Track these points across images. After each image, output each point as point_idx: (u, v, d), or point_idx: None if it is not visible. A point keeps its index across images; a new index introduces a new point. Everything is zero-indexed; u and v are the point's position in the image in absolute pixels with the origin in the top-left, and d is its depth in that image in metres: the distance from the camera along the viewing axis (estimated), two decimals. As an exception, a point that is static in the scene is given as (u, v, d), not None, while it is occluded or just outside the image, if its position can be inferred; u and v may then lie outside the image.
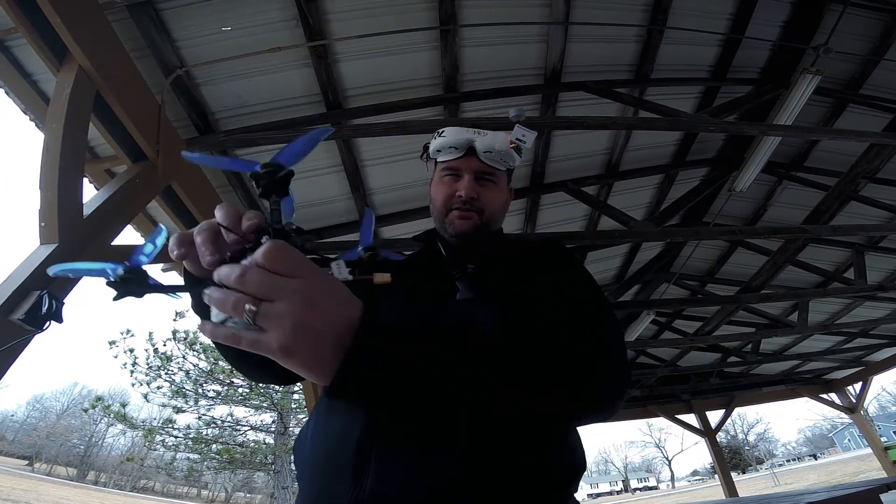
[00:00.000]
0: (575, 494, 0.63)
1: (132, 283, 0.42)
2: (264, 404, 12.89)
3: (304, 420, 13.15)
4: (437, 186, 0.88)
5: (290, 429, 13.36)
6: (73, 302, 1.76)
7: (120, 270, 0.42)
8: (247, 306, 0.37)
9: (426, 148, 0.92)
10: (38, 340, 1.58)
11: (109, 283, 0.42)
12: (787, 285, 5.54)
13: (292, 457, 0.69)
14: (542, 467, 0.57)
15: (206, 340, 12.23)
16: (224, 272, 0.39)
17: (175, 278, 3.42)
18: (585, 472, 0.65)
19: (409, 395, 0.45)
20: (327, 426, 0.63)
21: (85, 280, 1.83)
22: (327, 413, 0.64)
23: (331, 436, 0.61)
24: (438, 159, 0.88)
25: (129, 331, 11.57)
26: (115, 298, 0.43)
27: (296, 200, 0.52)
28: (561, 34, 2.77)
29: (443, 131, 0.87)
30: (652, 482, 55.90)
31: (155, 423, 12.88)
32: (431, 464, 0.53)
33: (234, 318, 0.39)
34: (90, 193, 2.02)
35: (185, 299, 0.49)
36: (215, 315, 0.42)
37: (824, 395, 8.96)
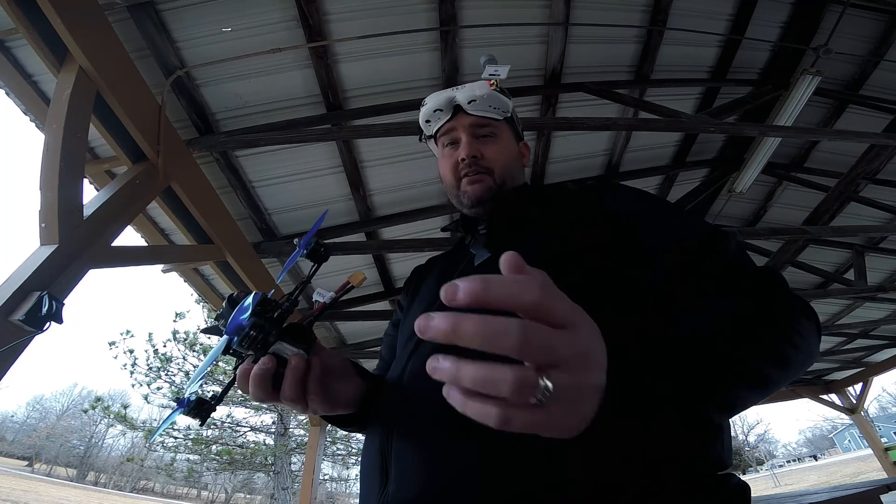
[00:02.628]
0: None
1: (201, 406, 0.53)
2: (264, 405, 12.87)
3: (304, 421, 13.14)
4: (442, 162, 0.83)
5: (290, 430, 13.36)
6: (74, 303, 1.76)
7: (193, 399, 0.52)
8: (541, 383, 0.27)
9: (419, 128, 0.89)
10: (38, 341, 1.58)
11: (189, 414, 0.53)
12: (787, 286, 5.53)
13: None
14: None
15: (207, 341, 12.25)
16: (493, 329, 0.26)
17: (174, 278, 3.42)
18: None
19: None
20: (369, 434, 0.64)
21: (85, 281, 1.83)
22: (371, 422, 0.65)
23: (369, 444, 0.62)
24: (431, 131, 0.86)
25: (129, 332, 11.58)
26: (202, 423, 0.54)
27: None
28: (561, 35, 2.77)
29: (425, 100, 0.84)
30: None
31: (155, 424, 12.88)
32: (444, 469, 0.48)
33: (515, 400, 0.27)
34: (90, 194, 2.02)
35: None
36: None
37: (824, 396, 8.95)
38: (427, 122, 0.85)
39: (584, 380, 0.30)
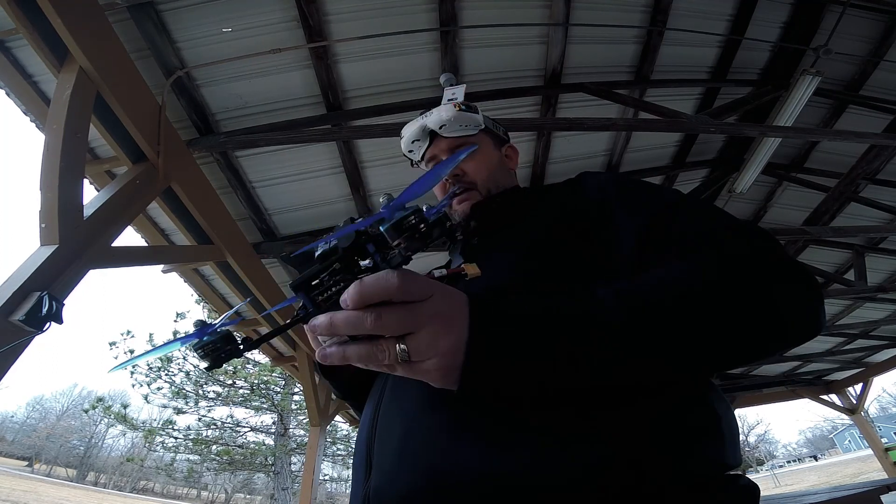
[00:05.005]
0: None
1: (224, 345, 0.42)
2: (265, 405, 12.88)
3: (304, 421, 13.14)
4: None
5: (290, 430, 13.35)
6: (74, 303, 1.76)
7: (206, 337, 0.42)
8: (398, 348, 0.37)
9: (408, 157, 0.94)
10: (38, 341, 1.58)
11: (200, 348, 0.42)
12: (787, 286, 5.53)
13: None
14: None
15: (206, 341, 12.20)
16: (353, 320, 0.36)
17: (174, 278, 3.42)
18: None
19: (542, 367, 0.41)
20: (360, 427, 0.64)
21: (85, 281, 1.83)
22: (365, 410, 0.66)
23: (358, 436, 0.63)
24: (416, 159, 0.91)
25: (129, 332, 11.57)
26: (210, 366, 0.42)
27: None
28: (561, 35, 2.77)
29: (402, 133, 0.90)
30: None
31: (155, 425, 12.88)
32: (423, 460, 0.47)
33: (383, 361, 0.38)
34: (90, 194, 2.02)
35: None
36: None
37: (825, 397, 8.96)
38: (410, 151, 0.91)
39: (440, 334, 0.38)
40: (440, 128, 0.83)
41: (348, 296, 0.36)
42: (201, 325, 0.42)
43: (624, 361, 0.42)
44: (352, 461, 0.64)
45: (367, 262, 0.40)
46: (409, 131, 0.87)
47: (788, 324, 0.47)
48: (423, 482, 0.46)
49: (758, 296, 0.46)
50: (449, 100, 0.87)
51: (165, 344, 0.47)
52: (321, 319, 0.38)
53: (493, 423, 0.46)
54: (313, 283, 0.41)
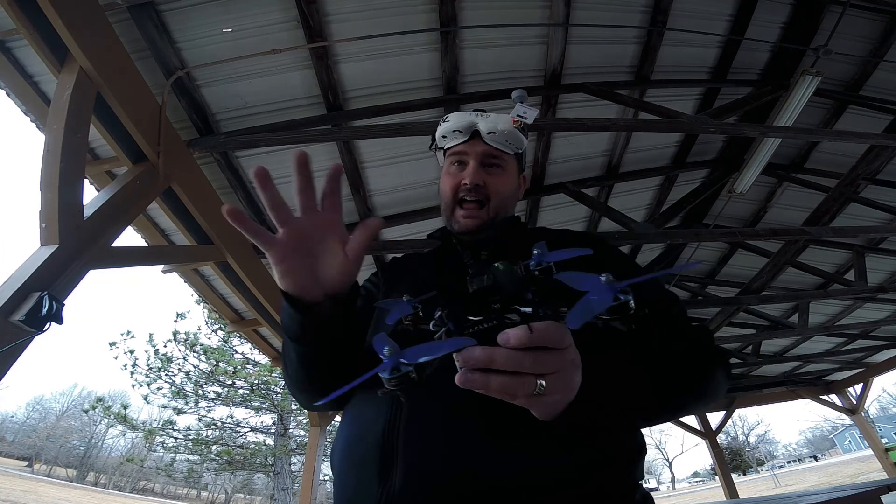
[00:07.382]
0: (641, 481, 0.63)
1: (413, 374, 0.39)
2: (264, 406, 12.87)
3: (304, 422, 13.13)
4: (444, 178, 0.87)
5: (290, 430, 13.35)
6: (74, 303, 1.76)
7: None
8: (539, 383, 0.42)
9: (434, 137, 0.91)
10: (39, 342, 1.58)
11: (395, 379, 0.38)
12: (787, 287, 5.53)
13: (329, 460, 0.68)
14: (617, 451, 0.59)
15: (207, 341, 12.25)
16: (514, 360, 0.40)
17: (174, 279, 3.42)
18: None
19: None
20: (352, 423, 0.63)
21: (85, 281, 1.83)
22: (355, 409, 0.64)
23: (354, 434, 0.60)
24: (445, 146, 0.88)
25: (129, 332, 11.57)
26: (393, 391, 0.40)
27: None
28: (561, 36, 2.77)
29: (447, 117, 0.87)
30: (652, 484, 55.84)
31: (155, 425, 12.87)
32: (473, 455, 0.51)
33: (518, 393, 0.42)
34: (91, 195, 2.02)
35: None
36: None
37: (825, 397, 8.95)
38: (443, 136, 0.87)
39: (569, 379, 0.45)
40: (488, 134, 0.82)
41: (514, 337, 0.39)
42: (397, 352, 0.38)
43: (660, 417, 0.63)
44: (340, 462, 0.61)
45: (527, 308, 0.44)
46: (456, 120, 0.85)
47: (716, 390, 0.68)
48: (477, 487, 0.50)
49: (720, 370, 0.68)
50: (519, 115, 0.84)
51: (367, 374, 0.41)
52: (479, 353, 0.40)
53: (535, 430, 0.52)
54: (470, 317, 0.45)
